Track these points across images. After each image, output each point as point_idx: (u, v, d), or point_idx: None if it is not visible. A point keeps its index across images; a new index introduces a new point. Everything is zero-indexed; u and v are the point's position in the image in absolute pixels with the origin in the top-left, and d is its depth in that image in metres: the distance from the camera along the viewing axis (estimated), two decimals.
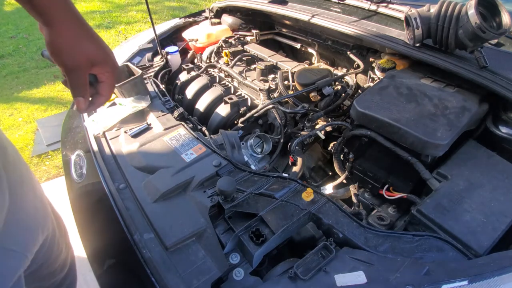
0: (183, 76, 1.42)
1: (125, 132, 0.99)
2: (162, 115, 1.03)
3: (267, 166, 1.15)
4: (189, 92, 1.34)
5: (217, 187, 0.73)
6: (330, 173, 1.35)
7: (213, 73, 1.40)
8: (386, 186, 0.98)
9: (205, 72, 1.41)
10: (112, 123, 1.01)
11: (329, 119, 1.20)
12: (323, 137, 1.11)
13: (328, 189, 1.17)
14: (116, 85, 1.01)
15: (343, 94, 1.21)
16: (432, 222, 0.74)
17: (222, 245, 0.71)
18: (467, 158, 0.87)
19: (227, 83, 1.32)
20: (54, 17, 0.45)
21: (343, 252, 0.68)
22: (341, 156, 1.13)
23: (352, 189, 1.15)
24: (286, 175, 0.82)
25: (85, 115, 1.08)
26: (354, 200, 1.13)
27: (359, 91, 1.29)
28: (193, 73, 1.41)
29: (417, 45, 1.07)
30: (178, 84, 1.39)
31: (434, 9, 1.00)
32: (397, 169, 0.96)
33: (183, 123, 0.99)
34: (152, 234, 0.71)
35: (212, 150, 0.88)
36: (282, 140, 1.18)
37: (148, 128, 1.00)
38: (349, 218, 0.74)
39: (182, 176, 0.81)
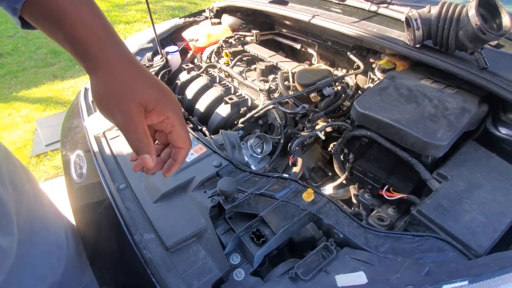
0: (183, 76, 1.41)
1: None
2: None
3: (267, 167, 1.15)
4: (189, 92, 1.34)
5: (218, 187, 0.73)
6: (330, 174, 1.36)
7: (213, 73, 1.40)
8: (386, 186, 0.98)
9: (205, 72, 1.41)
10: (110, 124, 1.01)
11: (329, 120, 1.20)
12: (323, 137, 1.12)
13: (328, 189, 1.18)
14: None
15: (343, 95, 1.21)
16: (432, 222, 0.74)
17: (223, 245, 0.71)
18: (467, 159, 0.87)
19: (227, 83, 1.32)
20: (102, 63, 0.37)
21: (344, 253, 0.68)
22: (341, 156, 1.13)
23: (352, 190, 1.15)
24: (287, 175, 0.82)
25: (85, 114, 1.08)
26: (354, 200, 1.13)
27: (359, 91, 1.29)
28: (193, 73, 1.41)
29: (418, 46, 1.07)
30: (178, 84, 1.38)
31: (434, 10, 1.00)
32: (397, 169, 0.96)
33: None
34: (153, 234, 0.71)
35: (213, 150, 0.88)
36: (282, 141, 1.18)
37: None
38: (349, 218, 0.74)
39: (182, 176, 0.81)
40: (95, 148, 0.94)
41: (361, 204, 1.09)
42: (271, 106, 1.12)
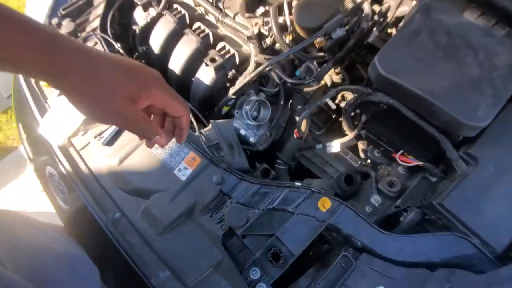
0: (140, 17, 1.05)
1: (95, 137, 0.80)
2: None
3: (268, 135, 1.02)
4: (155, 43, 1.03)
5: (227, 221, 0.65)
6: (334, 116, 1.23)
7: (179, 8, 1.02)
8: (401, 151, 0.90)
9: (167, 8, 1.03)
10: (74, 127, 0.81)
11: (338, 72, 0.98)
12: (334, 106, 0.94)
13: (335, 146, 1.09)
14: None
15: (355, 31, 0.93)
16: (453, 216, 0.71)
17: (241, 267, 0.71)
18: (504, 131, 0.75)
19: (201, 27, 0.99)
20: (64, 85, 0.36)
21: (363, 261, 0.69)
22: (352, 114, 0.99)
23: (361, 145, 1.07)
24: (299, 183, 0.72)
25: (38, 116, 0.85)
26: (362, 155, 1.08)
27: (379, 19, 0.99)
28: (152, 11, 1.03)
29: None
30: (137, 31, 1.04)
31: None
32: (417, 139, 0.85)
33: None
34: (168, 271, 0.69)
35: (209, 159, 0.74)
36: (282, 101, 1.00)
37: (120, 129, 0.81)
38: (367, 224, 0.71)
39: (181, 201, 0.71)
40: (67, 167, 0.78)
41: (370, 160, 1.04)
42: (267, 69, 0.88)
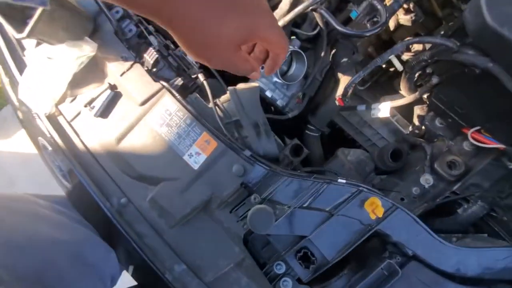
0: None
1: (86, 106, 0.64)
2: (128, 69, 0.62)
3: (301, 97, 0.81)
4: None
5: (250, 227, 0.53)
6: (385, 66, 0.97)
7: None
8: (477, 128, 0.69)
9: None
10: (60, 91, 0.64)
11: (409, 8, 0.69)
12: (400, 68, 0.69)
13: (384, 110, 0.87)
14: (27, 31, 0.54)
15: None
16: None
17: (264, 265, 0.62)
18: None
19: None
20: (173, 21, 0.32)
21: (411, 270, 0.58)
22: (417, 74, 0.74)
23: (418, 110, 0.85)
24: (344, 180, 0.56)
25: (16, 73, 0.68)
26: (416, 122, 0.87)
27: None
28: None
29: None
30: None
31: None
32: (508, 116, 0.62)
33: (166, 84, 0.60)
34: (183, 265, 0.61)
35: (228, 143, 0.58)
36: (323, 52, 0.75)
37: (116, 95, 0.63)
38: (427, 233, 0.57)
39: (195, 193, 0.59)
40: (60, 142, 0.65)
41: (426, 129, 0.84)
42: (309, 8, 0.62)
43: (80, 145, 0.65)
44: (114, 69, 0.62)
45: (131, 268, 0.72)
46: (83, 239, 0.65)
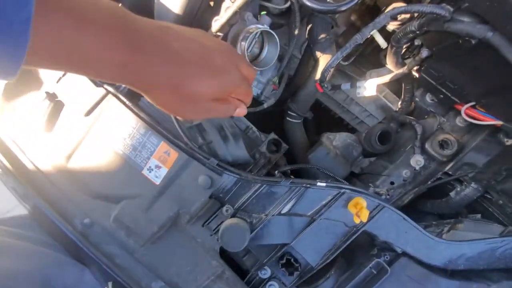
0: None
1: (27, 119, 0.56)
2: (64, 75, 0.52)
3: (276, 82, 0.72)
4: None
5: (223, 246, 0.48)
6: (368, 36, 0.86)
7: None
8: (472, 103, 0.62)
9: None
10: None
11: None
12: (385, 45, 0.59)
13: (369, 88, 0.79)
14: None
15: None
16: None
17: (246, 273, 0.58)
18: None
19: None
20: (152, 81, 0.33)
21: (400, 267, 0.54)
22: (404, 47, 0.65)
23: (406, 85, 0.77)
24: (323, 183, 0.50)
25: None
26: (405, 97, 0.79)
27: None
28: None
29: None
30: None
31: None
32: (507, 92, 0.55)
33: (111, 89, 0.51)
34: (161, 282, 0.57)
35: (189, 153, 0.50)
36: (297, 28, 0.65)
37: (57, 105, 0.54)
38: (417, 230, 0.52)
39: (160, 210, 0.53)
40: (6, 163, 0.57)
41: (416, 106, 0.77)
42: None
43: (29, 165, 0.57)
44: (48, 75, 0.53)
45: (110, 284, 0.68)
46: (50, 264, 0.60)
